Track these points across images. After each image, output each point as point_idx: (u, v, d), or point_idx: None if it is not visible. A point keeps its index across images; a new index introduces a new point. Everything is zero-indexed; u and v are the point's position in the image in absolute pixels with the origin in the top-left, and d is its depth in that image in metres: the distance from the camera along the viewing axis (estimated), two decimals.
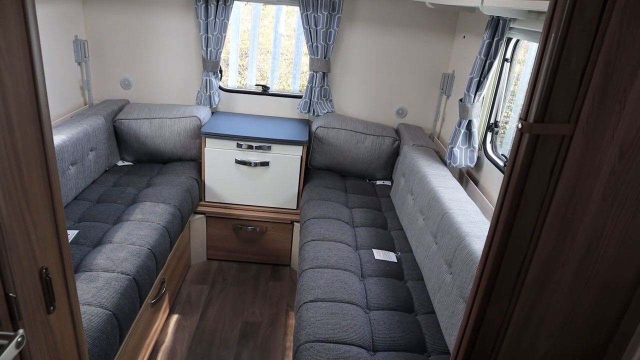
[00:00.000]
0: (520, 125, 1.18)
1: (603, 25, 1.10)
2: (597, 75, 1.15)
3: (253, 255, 3.64)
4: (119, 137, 3.51)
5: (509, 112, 3.05)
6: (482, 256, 1.38)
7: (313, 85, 3.60)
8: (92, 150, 3.15)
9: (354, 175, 3.66)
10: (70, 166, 2.88)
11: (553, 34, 1.10)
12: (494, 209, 2.46)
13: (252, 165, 3.37)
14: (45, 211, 1.05)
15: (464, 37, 3.39)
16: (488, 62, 2.61)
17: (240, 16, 3.83)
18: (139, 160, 3.61)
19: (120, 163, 3.57)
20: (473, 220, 2.20)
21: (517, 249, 1.33)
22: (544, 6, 1.66)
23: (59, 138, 2.79)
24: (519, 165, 1.20)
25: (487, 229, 2.12)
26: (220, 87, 3.78)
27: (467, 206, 2.37)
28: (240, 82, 4.11)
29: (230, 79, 3.95)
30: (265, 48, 4.46)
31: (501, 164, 2.70)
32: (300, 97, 3.77)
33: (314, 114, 3.68)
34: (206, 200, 3.52)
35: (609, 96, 1.18)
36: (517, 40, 2.71)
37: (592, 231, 1.32)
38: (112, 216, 2.80)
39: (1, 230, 0.92)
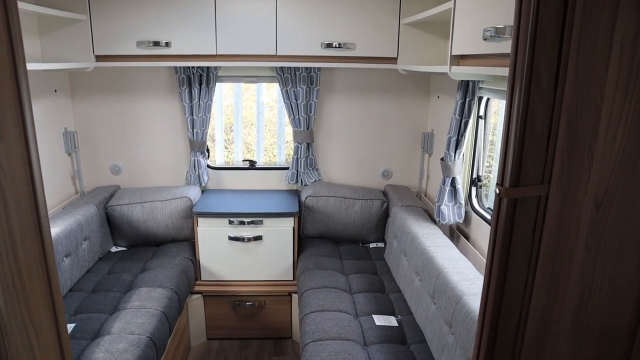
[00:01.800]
0: (497, 191, 1.25)
1: (560, 89, 1.20)
2: (561, 136, 1.23)
3: (253, 330, 3.58)
4: (112, 224, 3.54)
5: (491, 162, 3.14)
6: (478, 319, 1.40)
7: (299, 156, 3.70)
8: (85, 240, 3.16)
9: (346, 240, 3.69)
10: (64, 258, 2.89)
11: (516, 103, 1.19)
12: (485, 261, 2.48)
13: (246, 240, 3.40)
14: (48, 320, 1.07)
15: (438, 97, 3.56)
16: (463, 120, 2.73)
17: (222, 92, 3.98)
18: (133, 244, 3.61)
19: (113, 249, 3.57)
20: (468, 278, 2.23)
21: (512, 307, 1.36)
22: (503, 72, 1.79)
23: (52, 231, 2.81)
24: (502, 228, 1.26)
25: (482, 285, 2.15)
26: (208, 166, 3.86)
27: (460, 263, 2.40)
28: (227, 157, 4.21)
29: (218, 156, 4.05)
30: (249, 121, 4.61)
31: (488, 217, 2.76)
32: (286, 168, 3.87)
33: (302, 184, 3.76)
34: (202, 279, 3.50)
35: (576, 154, 1.26)
36: (488, 98, 2.85)
37: (581, 282, 1.36)
38: (108, 305, 2.78)
39: (4, 341, 0.94)
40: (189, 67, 3.49)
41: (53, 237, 2.76)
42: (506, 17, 1.72)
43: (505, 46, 1.71)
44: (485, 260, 2.57)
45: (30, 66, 2.06)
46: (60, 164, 3.51)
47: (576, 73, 1.18)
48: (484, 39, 1.84)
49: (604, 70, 1.20)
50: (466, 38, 2.10)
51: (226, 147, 4.21)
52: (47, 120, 3.33)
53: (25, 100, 1.00)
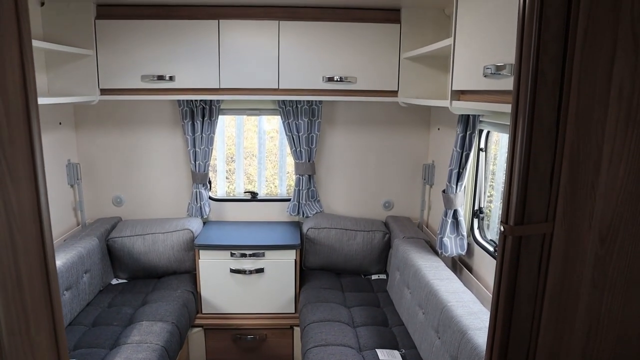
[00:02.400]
0: (502, 228, 1.25)
1: (562, 128, 1.22)
2: (564, 173, 1.25)
3: None
4: (113, 256, 3.52)
5: (492, 192, 3.15)
6: (485, 355, 1.39)
7: (300, 188, 3.72)
8: (86, 273, 3.14)
9: (348, 272, 3.67)
10: (65, 291, 2.87)
11: (519, 142, 1.21)
12: (490, 295, 2.47)
13: (247, 273, 3.38)
14: None
15: (439, 129, 3.60)
16: (464, 153, 2.76)
17: (225, 122, 4.02)
18: (134, 276, 3.59)
19: (114, 281, 3.55)
20: (472, 312, 2.21)
21: (520, 345, 1.35)
22: (503, 108, 1.82)
23: None
24: (507, 265, 1.26)
25: (487, 320, 2.13)
26: (210, 197, 3.87)
27: (464, 297, 2.39)
28: (228, 188, 4.23)
29: (219, 187, 4.06)
30: (250, 151, 4.64)
31: (491, 249, 2.75)
32: (288, 199, 3.88)
33: (303, 216, 3.76)
34: (203, 312, 3.47)
35: (579, 190, 1.27)
36: (489, 131, 2.88)
37: (588, 317, 1.36)
38: (109, 340, 2.74)
39: None
40: (192, 101, 3.54)
41: None
42: (505, 54, 1.76)
43: (505, 83, 1.75)
44: (489, 293, 2.57)
45: (38, 101, 2.09)
46: (62, 196, 3.52)
47: (577, 112, 1.21)
48: (484, 76, 1.87)
49: (604, 108, 1.23)
50: (466, 74, 2.14)
51: (227, 178, 4.23)
52: (51, 153, 3.36)
53: (36, 141, 1.02)
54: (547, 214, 1.26)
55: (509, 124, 2.34)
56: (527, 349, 1.35)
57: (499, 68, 1.75)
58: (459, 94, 2.32)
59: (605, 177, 1.28)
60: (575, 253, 1.31)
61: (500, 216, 2.66)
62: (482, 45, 1.98)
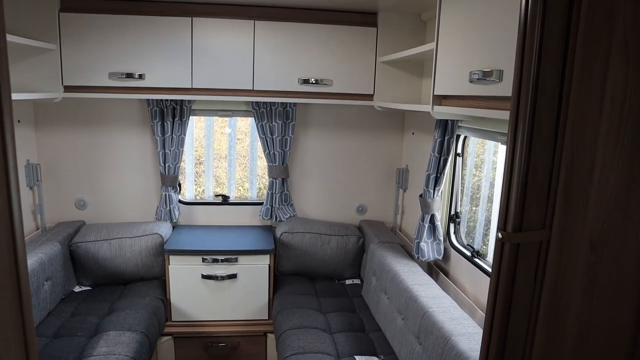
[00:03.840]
0: (500, 235, 1.24)
1: (560, 137, 1.22)
2: (561, 181, 1.24)
3: None
4: (76, 262, 3.35)
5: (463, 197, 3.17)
6: None
7: (273, 191, 3.65)
8: (47, 280, 2.97)
9: (322, 277, 3.63)
10: None
11: (518, 151, 1.20)
12: (468, 299, 2.48)
13: (219, 279, 3.28)
14: None
15: (413, 133, 3.61)
16: (442, 158, 2.77)
17: (194, 124, 3.91)
18: (98, 283, 3.42)
19: (77, 289, 3.37)
20: (454, 317, 2.21)
21: (514, 352, 1.34)
22: (492, 114, 1.82)
23: None
24: (504, 272, 1.25)
25: (469, 325, 2.14)
26: (179, 201, 3.75)
27: (444, 302, 2.39)
28: (197, 191, 4.11)
29: (188, 189, 3.94)
30: (219, 154, 4.54)
31: (467, 253, 2.76)
32: (260, 203, 3.80)
33: (276, 220, 3.69)
34: (173, 320, 3.34)
35: (573, 198, 1.27)
36: (466, 136, 2.91)
37: (579, 323, 1.37)
38: (73, 352, 2.59)
39: None
40: (162, 100, 3.42)
41: None
42: (492, 60, 1.76)
43: (492, 89, 1.75)
44: (467, 298, 2.58)
45: None
46: (20, 199, 3.32)
47: (574, 120, 1.21)
48: (470, 81, 1.87)
49: (597, 117, 1.24)
50: (450, 79, 2.14)
51: (195, 181, 4.11)
52: None
53: (8, 141, 0.93)
54: (545, 222, 1.25)
55: (489, 129, 2.37)
56: (521, 357, 1.35)
57: (486, 74, 1.75)
58: (440, 99, 2.32)
59: (597, 185, 1.29)
60: (568, 259, 1.31)
61: (476, 221, 2.67)
62: (467, 50, 1.98)
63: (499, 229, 1.26)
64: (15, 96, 2.79)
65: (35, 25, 3.01)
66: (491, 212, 2.87)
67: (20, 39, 2.78)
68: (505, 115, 1.52)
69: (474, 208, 3.14)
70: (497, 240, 1.26)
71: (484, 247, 2.87)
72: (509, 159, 1.22)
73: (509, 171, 1.23)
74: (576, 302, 1.34)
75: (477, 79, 1.80)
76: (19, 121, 3.29)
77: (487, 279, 2.20)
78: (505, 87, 1.67)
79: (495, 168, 2.88)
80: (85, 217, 3.69)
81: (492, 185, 2.89)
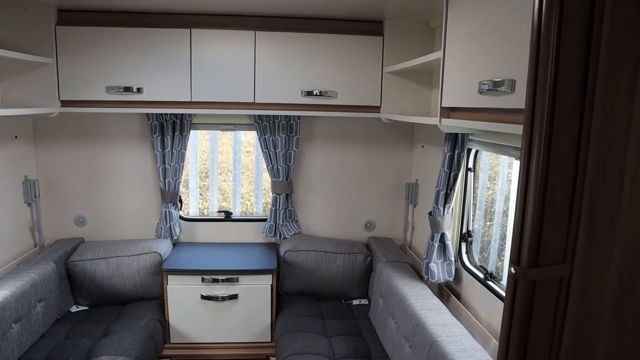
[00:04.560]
0: (513, 270, 1.07)
1: (583, 152, 1.05)
2: (585, 207, 1.07)
3: None
4: (72, 280, 3.24)
5: (476, 210, 3.00)
6: None
7: (277, 207, 3.50)
8: (40, 302, 2.85)
9: (328, 297, 3.46)
10: (12, 324, 2.57)
11: (533, 171, 1.04)
12: (481, 326, 2.29)
13: (220, 299, 3.14)
14: None
15: (423, 146, 3.45)
16: (452, 174, 2.60)
17: (198, 137, 3.80)
18: (95, 303, 3.30)
19: (74, 309, 3.25)
20: (465, 348, 2.03)
21: None
22: (502, 127, 1.65)
23: (0, 294, 2.51)
24: (518, 314, 1.08)
25: (481, 357, 1.95)
26: (181, 217, 3.63)
27: (455, 330, 2.20)
28: (201, 205, 3.98)
29: (192, 204, 3.82)
30: (225, 167, 4.42)
31: (480, 275, 2.58)
32: (264, 219, 3.66)
33: (280, 237, 3.54)
34: (171, 342, 3.20)
35: (599, 226, 1.10)
36: (477, 150, 2.73)
37: None
38: None
39: None
40: (161, 114, 3.32)
41: (0, 302, 2.46)
42: (503, 69, 1.61)
43: (504, 100, 1.59)
44: (479, 324, 2.39)
45: None
46: (18, 215, 3.24)
47: (599, 135, 1.04)
48: (480, 92, 1.71)
49: (625, 131, 1.07)
50: (458, 90, 1.98)
51: (201, 195, 3.99)
52: (5, 168, 3.08)
53: None
54: (565, 255, 1.08)
55: (502, 143, 2.20)
56: None
57: (496, 84, 1.59)
58: (449, 111, 2.16)
59: (626, 208, 1.11)
60: (594, 298, 1.13)
61: (490, 236, 2.47)
62: (476, 58, 1.82)
63: (511, 263, 1.09)
64: (10, 112, 2.72)
65: (31, 39, 2.95)
66: (506, 226, 2.70)
67: (16, 54, 2.71)
68: (518, 129, 1.35)
69: (488, 223, 2.97)
70: (510, 275, 1.09)
71: (499, 263, 2.68)
72: (523, 179, 1.06)
73: (522, 194, 1.06)
74: (603, 345, 1.16)
75: (487, 89, 1.64)
76: (16, 137, 3.21)
77: (502, 305, 2.03)
78: (518, 99, 1.51)
79: (510, 180, 2.71)
80: (85, 234, 3.59)
81: (507, 199, 2.72)
